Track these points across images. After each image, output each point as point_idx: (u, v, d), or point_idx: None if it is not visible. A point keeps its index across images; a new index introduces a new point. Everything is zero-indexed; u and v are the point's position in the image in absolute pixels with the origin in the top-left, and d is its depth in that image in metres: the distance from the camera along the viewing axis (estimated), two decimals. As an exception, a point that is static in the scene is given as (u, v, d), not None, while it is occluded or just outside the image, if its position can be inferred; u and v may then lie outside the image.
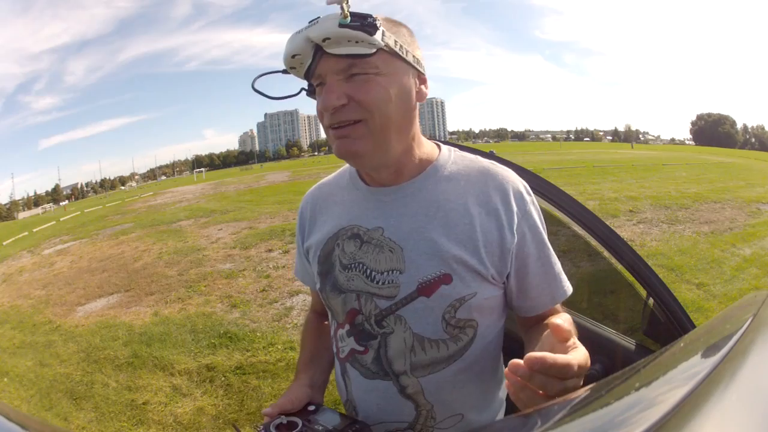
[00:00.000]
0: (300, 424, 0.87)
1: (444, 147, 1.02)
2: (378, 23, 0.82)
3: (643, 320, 1.46)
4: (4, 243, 19.40)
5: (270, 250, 7.78)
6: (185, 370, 3.88)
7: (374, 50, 0.83)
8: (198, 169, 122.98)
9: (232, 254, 7.95)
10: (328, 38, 0.80)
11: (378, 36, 0.81)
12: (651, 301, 1.38)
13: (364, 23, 0.81)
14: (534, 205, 0.95)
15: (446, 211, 0.91)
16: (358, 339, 0.95)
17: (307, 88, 0.91)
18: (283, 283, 5.95)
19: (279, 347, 4.10)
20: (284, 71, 0.91)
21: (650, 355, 0.59)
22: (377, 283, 0.91)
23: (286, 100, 0.97)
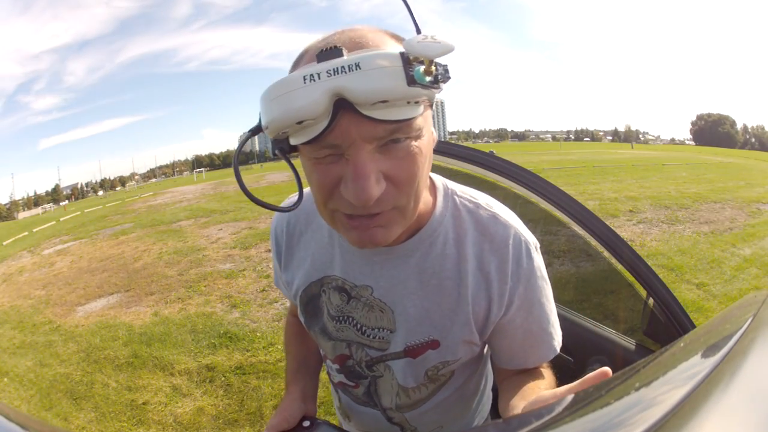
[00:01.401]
0: None
1: (440, 194, 0.83)
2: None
3: (643, 320, 1.46)
4: (4, 243, 19.37)
5: (270, 250, 7.70)
6: (185, 370, 3.88)
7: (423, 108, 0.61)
8: (198, 169, 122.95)
9: (232, 254, 7.94)
10: (386, 101, 0.54)
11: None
12: (651, 301, 1.39)
13: (438, 75, 0.56)
14: (534, 269, 0.81)
15: (440, 279, 0.80)
16: (349, 377, 0.95)
17: (280, 148, 0.65)
18: (283, 283, 5.91)
19: (279, 347, 4.08)
20: (256, 130, 0.65)
21: (650, 355, 0.59)
22: (368, 336, 0.87)
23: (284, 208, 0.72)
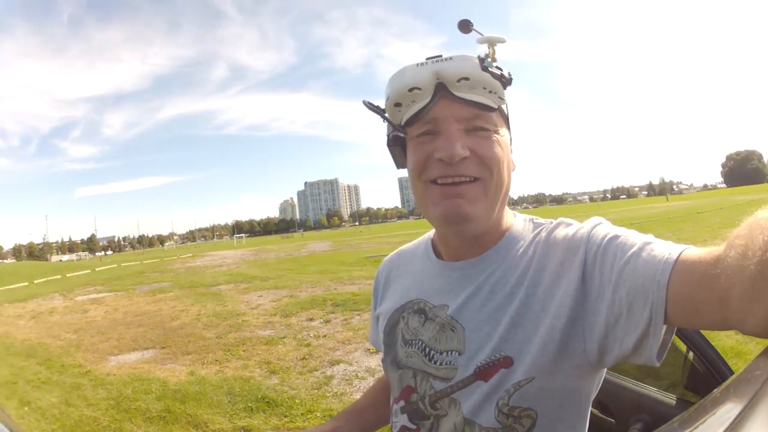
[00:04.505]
0: None
1: (519, 216, 0.90)
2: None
3: (684, 374, 1.43)
4: (36, 281, 19.84)
5: (311, 319, 7.70)
6: (220, 429, 3.84)
7: (497, 106, 0.78)
8: (238, 235, 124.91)
9: (272, 321, 7.94)
10: (466, 79, 0.75)
11: (505, 92, 0.78)
12: (690, 354, 1.36)
13: (503, 72, 0.76)
14: (600, 226, 0.77)
15: (512, 287, 0.79)
16: (411, 417, 0.88)
17: (394, 134, 0.84)
18: (323, 351, 5.82)
19: (318, 414, 3.98)
20: (378, 109, 0.84)
21: (688, 408, 0.57)
22: (435, 363, 0.84)
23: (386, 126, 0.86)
